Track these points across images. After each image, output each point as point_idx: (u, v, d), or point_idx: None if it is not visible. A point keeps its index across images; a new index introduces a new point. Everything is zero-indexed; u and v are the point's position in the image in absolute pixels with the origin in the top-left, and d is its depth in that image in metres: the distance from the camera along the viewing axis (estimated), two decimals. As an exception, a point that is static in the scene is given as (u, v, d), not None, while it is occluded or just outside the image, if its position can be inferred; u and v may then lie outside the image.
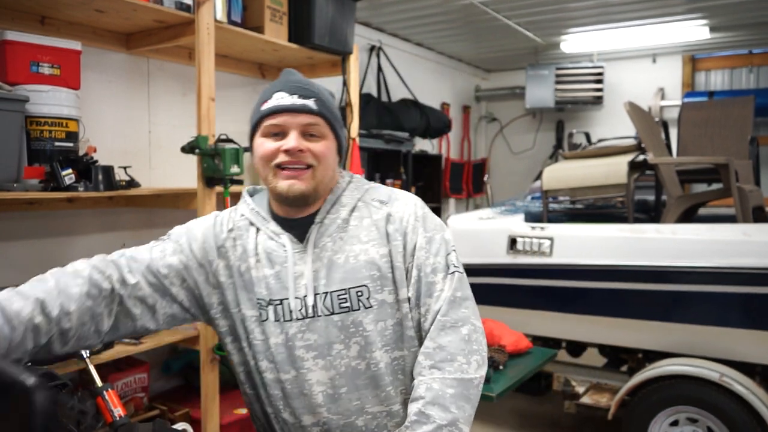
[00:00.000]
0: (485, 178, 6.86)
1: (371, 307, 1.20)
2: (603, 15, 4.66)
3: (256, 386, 1.28)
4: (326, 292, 1.20)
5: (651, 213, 3.83)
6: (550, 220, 3.57)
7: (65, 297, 1.11)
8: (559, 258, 3.11)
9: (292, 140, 1.17)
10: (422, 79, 5.58)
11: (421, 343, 1.22)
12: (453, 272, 1.23)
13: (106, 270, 1.19)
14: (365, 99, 4.41)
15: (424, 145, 5.53)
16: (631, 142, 3.79)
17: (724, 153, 3.33)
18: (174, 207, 2.67)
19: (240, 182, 3.09)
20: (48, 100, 2.15)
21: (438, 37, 5.32)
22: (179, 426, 2.14)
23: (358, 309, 1.20)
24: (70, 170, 2.13)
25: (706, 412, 2.73)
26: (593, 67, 5.99)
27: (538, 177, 4.28)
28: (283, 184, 1.19)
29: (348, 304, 1.20)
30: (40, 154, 2.16)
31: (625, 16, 4.68)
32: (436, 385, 1.13)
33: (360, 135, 3.45)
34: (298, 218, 1.25)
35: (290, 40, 2.93)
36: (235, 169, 2.43)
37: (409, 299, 1.22)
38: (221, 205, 2.54)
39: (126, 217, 2.83)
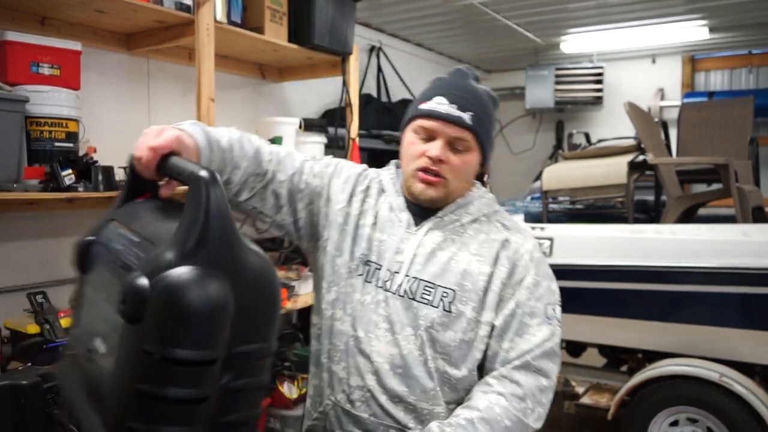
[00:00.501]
0: (485, 179, 6.82)
1: (449, 312, 1.21)
2: (603, 15, 4.66)
3: (321, 333, 1.32)
4: (416, 278, 1.23)
5: (651, 213, 3.83)
6: (550, 221, 3.58)
7: (242, 153, 1.29)
8: (558, 258, 3.11)
9: (436, 149, 1.22)
10: (422, 79, 5.57)
11: (481, 373, 1.24)
12: (552, 323, 1.24)
13: (271, 156, 1.33)
14: (365, 99, 4.41)
15: (423, 145, 5.53)
16: (631, 142, 3.79)
17: (724, 153, 3.33)
18: (174, 207, 2.67)
19: (240, 182, 3.10)
20: (48, 101, 2.15)
21: (438, 37, 5.32)
22: (179, 426, 2.14)
23: (437, 308, 1.21)
24: (70, 170, 2.13)
25: (705, 412, 2.74)
26: (593, 67, 6.00)
27: (538, 177, 4.29)
28: (418, 187, 1.26)
29: (430, 298, 1.22)
30: (40, 155, 2.16)
31: (624, 16, 4.68)
32: (497, 410, 1.15)
33: (360, 135, 3.45)
34: (423, 206, 1.31)
35: (290, 40, 2.93)
36: (235, 169, 2.43)
37: (492, 327, 1.23)
38: (221, 206, 2.55)
39: (126, 218, 2.82)
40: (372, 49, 4.83)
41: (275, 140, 2.68)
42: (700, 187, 4.59)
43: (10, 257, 2.40)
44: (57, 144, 2.18)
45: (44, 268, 2.51)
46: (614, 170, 3.31)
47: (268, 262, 0.95)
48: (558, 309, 1.28)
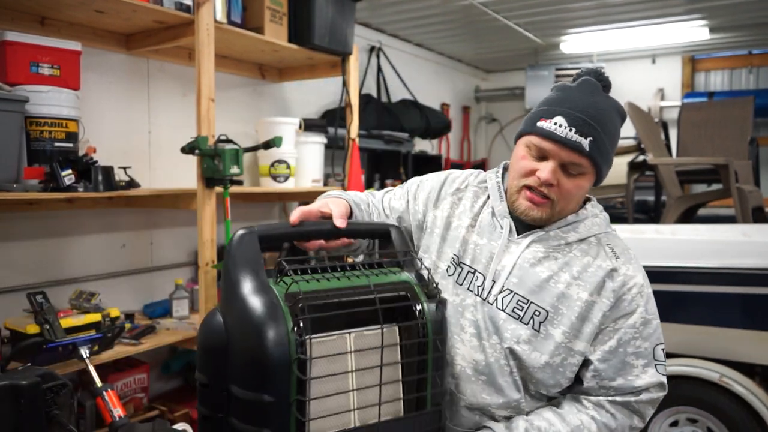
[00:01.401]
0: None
1: (538, 332, 1.15)
2: (603, 15, 4.66)
3: None
4: (511, 291, 1.18)
5: (651, 213, 3.83)
6: (550, 221, 3.56)
7: (370, 209, 1.40)
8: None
9: (547, 172, 1.14)
10: (422, 79, 5.58)
11: (556, 404, 1.21)
12: (660, 369, 1.18)
13: (384, 205, 1.42)
14: (365, 99, 4.41)
15: (423, 145, 5.53)
16: (631, 142, 3.79)
17: (724, 153, 3.33)
18: (174, 207, 2.67)
19: (240, 182, 3.10)
20: (48, 101, 2.15)
21: (438, 37, 5.32)
22: (179, 426, 2.14)
23: (527, 325, 1.16)
24: (69, 171, 2.13)
25: (705, 412, 2.73)
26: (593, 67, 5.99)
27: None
28: (522, 204, 1.20)
29: (521, 314, 1.16)
30: (39, 155, 2.16)
31: (624, 16, 4.68)
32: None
33: (360, 135, 3.45)
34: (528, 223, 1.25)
35: (290, 40, 2.93)
36: (234, 169, 2.43)
37: (586, 360, 1.17)
38: (221, 206, 2.55)
39: (126, 218, 2.83)
40: (372, 49, 4.83)
41: (275, 140, 2.68)
42: (700, 188, 4.60)
43: (10, 257, 2.40)
44: (57, 144, 2.18)
45: (44, 268, 2.51)
46: (614, 171, 3.30)
47: None
48: (663, 350, 1.20)
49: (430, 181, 1.40)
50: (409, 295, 1.02)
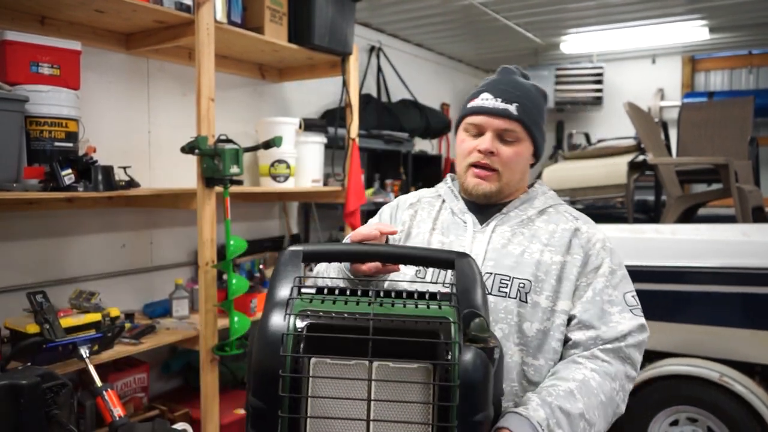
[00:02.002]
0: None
1: (525, 303, 1.21)
2: (603, 15, 4.66)
3: None
4: (491, 273, 1.23)
5: (651, 213, 3.83)
6: (550, 221, 3.56)
7: None
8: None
9: (485, 142, 1.24)
10: (422, 79, 5.58)
11: (560, 357, 1.23)
12: (636, 313, 1.24)
13: None
14: (365, 99, 4.41)
15: (423, 145, 5.53)
16: (631, 142, 3.79)
17: (724, 153, 3.33)
18: (174, 207, 2.67)
19: (240, 182, 3.10)
20: (48, 100, 2.15)
21: (438, 37, 5.32)
22: (179, 426, 2.14)
23: (515, 299, 1.21)
24: (69, 170, 2.13)
25: (706, 411, 2.73)
26: (593, 67, 5.99)
27: (538, 177, 4.28)
28: (471, 182, 1.28)
29: (507, 290, 1.21)
30: (39, 154, 2.16)
31: (624, 16, 4.68)
32: (593, 383, 1.14)
33: (360, 135, 3.45)
34: (485, 204, 1.32)
35: (290, 40, 2.93)
36: (234, 169, 2.43)
37: (570, 317, 1.22)
38: (221, 206, 2.55)
39: (126, 218, 2.83)
40: (372, 49, 4.83)
41: (275, 140, 2.68)
42: (700, 187, 4.60)
43: (10, 257, 2.40)
44: (57, 144, 2.18)
45: (44, 268, 2.51)
46: (614, 170, 3.32)
47: None
48: (635, 297, 1.27)
49: (384, 211, 1.45)
50: (441, 333, 0.89)
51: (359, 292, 0.96)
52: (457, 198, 1.35)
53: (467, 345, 0.89)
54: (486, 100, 1.25)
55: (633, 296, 1.26)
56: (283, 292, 0.95)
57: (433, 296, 0.97)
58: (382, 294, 0.96)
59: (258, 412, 0.89)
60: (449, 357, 0.87)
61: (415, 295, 0.96)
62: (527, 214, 1.29)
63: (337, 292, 0.97)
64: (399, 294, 0.97)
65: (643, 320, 1.24)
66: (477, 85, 1.34)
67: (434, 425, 0.86)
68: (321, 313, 0.91)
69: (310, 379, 0.88)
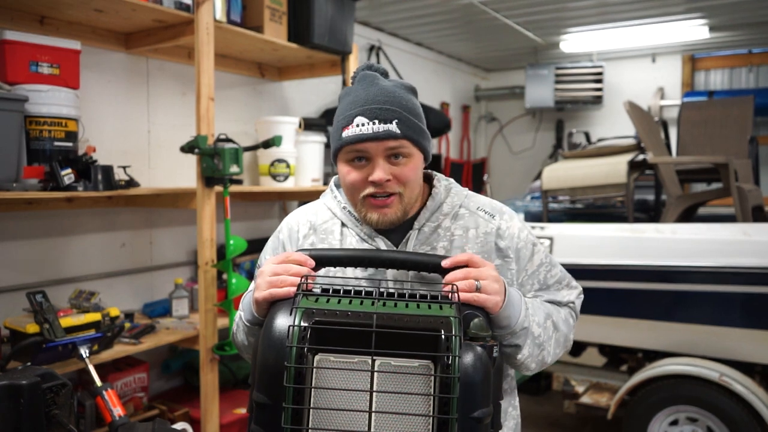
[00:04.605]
0: (485, 178, 6.86)
1: None
2: (603, 15, 4.66)
3: None
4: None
5: (651, 213, 3.83)
6: (550, 220, 3.57)
7: None
8: (558, 257, 3.11)
9: (378, 172, 1.12)
10: (422, 78, 5.58)
11: None
12: (572, 284, 1.30)
13: None
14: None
15: (423, 144, 5.54)
16: (631, 141, 3.79)
17: (724, 153, 3.33)
18: (173, 207, 2.67)
19: (239, 182, 3.09)
20: (47, 100, 2.15)
21: (438, 36, 5.31)
22: (179, 426, 2.14)
23: None
24: (69, 170, 2.13)
25: (705, 411, 2.74)
26: (593, 66, 5.99)
27: (538, 177, 4.28)
28: (373, 216, 1.16)
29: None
30: (39, 154, 2.16)
31: (624, 15, 4.68)
32: (551, 306, 1.22)
33: (360, 135, 3.44)
34: (393, 225, 1.20)
35: (290, 39, 2.93)
36: (234, 168, 2.43)
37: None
38: (221, 205, 2.55)
39: (125, 217, 2.83)
40: (372, 48, 4.83)
41: (275, 139, 2.68)
42: (700, 187, 4.59)
43: (10, 257, 2.39)
44: (56, 143, 2.18)
45: (44, 268, 2.51)
46: (614, 170, 3.31)
47: None
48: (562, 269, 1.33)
49: (268, 248, 1.32)
50: (442, 331, 0.90)
51: (363, 293, 0.97)
52: (360, 222, 1.21)
53: (467, 343, 0.91)
54: (363, 126, 1.11)
55: (561, 267, 1.30)
56: (284, 302, 0.98)
57: (434, 298, 0.98)
58: (385, 295, 0.97)
59: (262, 407, 0.90)
60: (450, 353, 0.89)
61: (418, 297, 0.98)
62: (441, 224, 1.21)
63: (341, 292, 0.99)
64: (402, 295, 0.98)
65: (579, 286, 1.32)
66: (341, 102, 1.19)
67: (435, 416, 0.88)
68: (326, 311, 0.92)
69: (314, 373, 0.90)
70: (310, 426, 0.88)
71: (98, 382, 1.85)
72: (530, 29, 5.08)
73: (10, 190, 1.97)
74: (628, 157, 3.37)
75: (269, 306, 1.02)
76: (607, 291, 3.01)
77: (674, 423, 2.84)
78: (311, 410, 0.89)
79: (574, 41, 5.43)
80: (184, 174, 2.97)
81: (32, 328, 2.06)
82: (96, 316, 2.26)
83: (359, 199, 1.16)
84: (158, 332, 2.51)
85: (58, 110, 2.18)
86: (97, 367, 1.94)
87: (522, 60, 6.25)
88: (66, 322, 2.15)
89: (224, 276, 2.57)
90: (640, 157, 3.40)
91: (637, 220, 3.47)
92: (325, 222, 1.26)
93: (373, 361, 0.89)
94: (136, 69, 2.85)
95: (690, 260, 2.80)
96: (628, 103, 3.45)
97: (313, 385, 0.89)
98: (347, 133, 1.13)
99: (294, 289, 1.00)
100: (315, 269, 1.08)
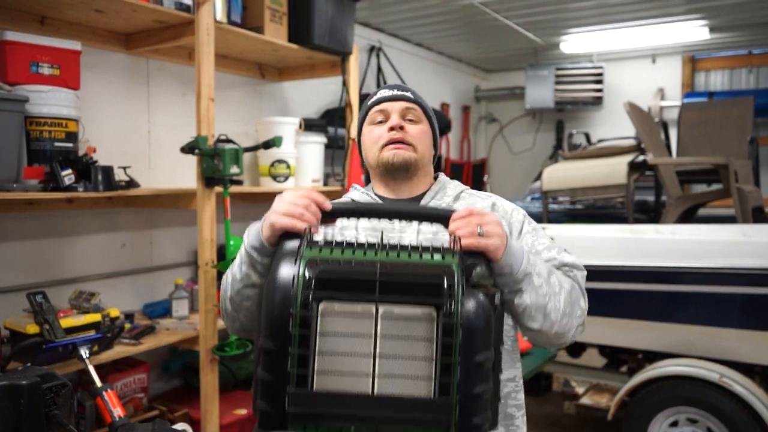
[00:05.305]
0: (485, 179, 6.86)
1: None
2: (603, 15, 4.66)
3: None
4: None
5: (651, 213, 3.83)
6: (550, 221, 3.57)
7: None
8: (558, 258, 3.10)
9: (394, 119, 1.33)
10: (422, 79, 5.58)
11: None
12: (568, 252, 1.31)
13: None
14: (365, 99, 4.41)
15: (423, 145, 5.54)
16: (631, 142, 3.79)
17: (724, 153, 3.33)
18: (173, 207, 2.67)
19: (240, 182, 3.09)
20: (48, 101, 2.15)
21: (438, 37, 5.32)
22: (179, 426, 2.14)
23: None
24: (69, 170, 2.13)
25: (705, 412, 2.73)
26: (593, 67, 5.99)
27: (538, 177, 4.29)
28: (389, 153, 1.31)
29: None
30: (39, 155, 2.16)
31: (624, 16, 4.68)
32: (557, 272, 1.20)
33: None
34: (404, 198, 1.36)
35: (290, 40, 2.93)
36: (234, 169, 2.43)
37: None
38: (221, 206, 2.55)
39: (125, 218, 2.83)
40: (372, 48, 4.83)
41: (275, 140, 2.68)
42: (700, 188, 4.59)
43: (10, 257, 2.40)
44: (57, 144, 2.18)
45: (44, 268, 2.51)
46: (614, 170, 3.31)
47: None
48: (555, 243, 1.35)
49: None
50: (445, 278, 0.93)
51: (366, 245, 1.00)
52: (374, 198, 1.37)
53: (469, 290, 0.95)
54: (384, 92, 1.38)
55: (560, 249, 1.33)
56: (293, 244, 1.00)
57: (437, 249, 1.02)
58: (388, 246, 1.00)
59: (269, 353, 0.92)
60: (452, 299, 0.92)
61: (420, 248, 1.01)
62: (445, 201, 1.34)
63: (345, 244, 1.01)
64: (405, 247, 1.02)
65: (583, 268, 1.31)
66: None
67: (438, 360, 0.90)
68: (330, 261, 0.95)
69: (319, 320, 0.92)
70: (315, 385, 0.91)
71: (98, 383, 1.85)
72: (530, 30, 5.09)
73: (11, 191, 1.97)
74: (628, 158, 3.37)
75: (280, 237, 1.06)
76: (607, 292, 3.01)
77: (674, 424, 2.84)
78: (316, 356, 0.91)
79: (574, 42, 5.43)
80: (185, 174, 2.97)
81: (32, 328, 2.06)
82: (96, 316, 2.26)
83: (378, 148, 1.33)
84: (158, 333, 2.51)
85: (58, 111, 2.18)
86: (97, 367, 1.93)
87: (522, 61, 6.25)
88: (66, 322, 2.15)
89: (224, 276, 2.56)
90: (640, 158, 3.40)
91: (637, 221, 3.47)
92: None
93: (377, 308, 0.92)
94: (136, 69, 2.85)
95: (690, 261, 2.80)
96: (628, 103, 3.45)
97: (318, 329, 0.92)
98: (371, 100, 1.39)
99: (311, 225, 1.06)
100: (328, 220, 1.11)
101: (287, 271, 0.96)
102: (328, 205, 1.11)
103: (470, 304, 0.93)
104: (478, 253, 1.03)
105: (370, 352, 0.92)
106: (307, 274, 0.93)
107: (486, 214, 1.07)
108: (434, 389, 0.91)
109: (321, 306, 0.93)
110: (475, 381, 0.92)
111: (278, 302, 0.94)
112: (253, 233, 1.17)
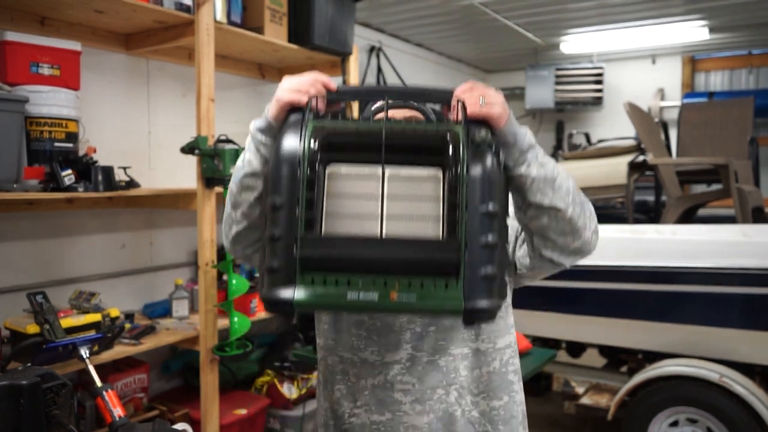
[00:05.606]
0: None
1: None
2: (603, 16, 4.66)
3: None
4: None
5: (651, 213, 3.83)
6: (550, 221, 3.55)
7: None
8: (558, 258, 3.10)
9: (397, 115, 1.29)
10: (422, 79, 5.58)
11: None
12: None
13: None
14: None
15: (423, 145, 5.54)
16: (631, 142, 3.79)
17: (724, 154, 3.33)
18: (173, 207, 2.67)
19: (240, 183, 3.09)
20: (48, 101, 2.15)
21: (438, 37, 5.32)
22: (179, 426, 2.14)
23: None
24: (69, 171, 2.13)
25: (705, 412, 2.73)
26: (593, 67, 6.00)
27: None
28: None
29: None
30: (39, 155, 2.16)
31: (624, 16, 4.68)
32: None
33: (360, 135, 3.45)
34: None
35: (290, 40, 2.93)
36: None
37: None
38: (221, 206, 2.54)
39: (125, 218, 2.83)
40: (372, 49, 4.83)
41: (275, 140, 2.68)
42: (700, 188, 4.60)
43: (10, 257, 2.40)
44: (57, 144, 2.18)
45: (44, 268, 2.51)
46: (614, 170, 3.32)
47: None
48: None
49: None
50: (449, 138, 0.94)
51: (372, 118, 1.05)
52: None
53: (473, 150, 0.95)
54: (383, 103, 1.33)
55: None
56: (299, 116, 1.03)
57: (440, 121, 1.05)
58: (393, 120, 1.02)
59: (277, 209, 0.92)
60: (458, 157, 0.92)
61: (425, 121, 1.05)
62: None
63: (351, 118, 1.04)
64: (409, 119, 1.06)
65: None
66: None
67: (445, 209, 0.92)
68: (336, 127, 0.97)
69: (326, 182, 0.93)
70: (323, 232, 0.91)
71: (98, 383, 1.85)
72: (530, 30, 5.09)
73: (11, 191, 1.97)
74: (628, 158, 3.37)
75: (286, 114, 1.08)
76: (607, 292, 3.01)
77: (674, 424, 2.84)
78: (324, 206, 0.92)
79: (574, 42, 5.44)
80: (185, 175, 2.97)
81: (32, 328, 2.06)
82: (96, 316, 2.26)
83: None
84: (158, 333, 2.51)
85: (58, 111, 2.18)
86: (97, 367, 1.93)
87: (522, 61, 6.25)
88: (66, 322, 2.15)
89: (224, 277, 2.57)
90: (640, 158, 3.40)
91: (637, 221, 3.47)
92: None
93: (384, 169, 0.93)
94: (136, 70, 2.85)
95: (690, 261, 2.80)
96: (628, 104, 3.45)
97: (325, 190, 0.93)
98: (375, 106, 1.36)
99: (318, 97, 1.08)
100: (333, 104, 1.12)
101: (294, 137, 0.97)
102: (333, 85, 1.11)
103: (475, 159, 0.94)
104: (482, 123, 1.02)
105: (378, 213, 0.93)
106: (313, 135, 0.94)
107: (488, 88, 1.07)
108: (442, 231, 0.91)
109: (328, 169, 0.94)
110: (483, 230, 0.92)
111: (286, 159, 0.94)
112: (261, 116, 1.19)
